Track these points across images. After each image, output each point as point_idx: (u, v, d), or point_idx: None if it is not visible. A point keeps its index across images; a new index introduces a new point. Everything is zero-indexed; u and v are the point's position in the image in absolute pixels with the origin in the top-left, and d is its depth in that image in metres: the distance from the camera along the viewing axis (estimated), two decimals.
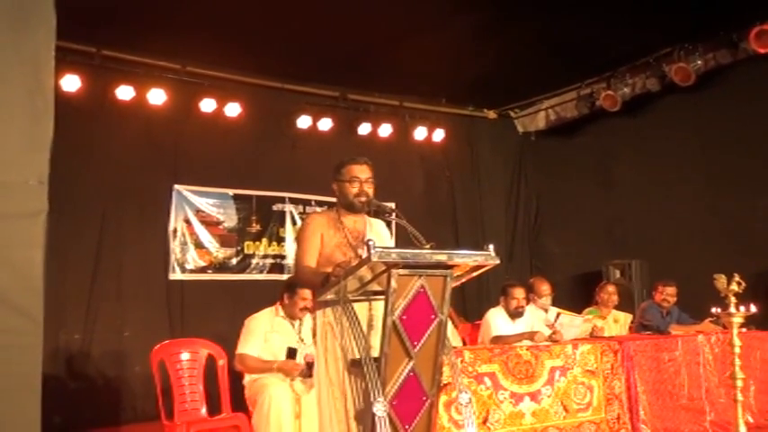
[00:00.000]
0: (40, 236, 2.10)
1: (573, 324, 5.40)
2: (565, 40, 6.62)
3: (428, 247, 2.89)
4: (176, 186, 7.07)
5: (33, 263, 2.08)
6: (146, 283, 6.77)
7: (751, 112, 6.92)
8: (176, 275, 6.99)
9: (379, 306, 2.96)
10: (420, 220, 3.14)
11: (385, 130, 8.10)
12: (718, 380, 5.20)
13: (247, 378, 4.51)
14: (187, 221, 7.12)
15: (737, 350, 4.27)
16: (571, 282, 8.17)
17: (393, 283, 2.71)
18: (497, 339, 5.25)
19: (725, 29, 6.60)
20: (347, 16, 6.02)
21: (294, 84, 7.55)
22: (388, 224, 3.58)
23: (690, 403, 5.08)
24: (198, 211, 7.20)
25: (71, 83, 6.13)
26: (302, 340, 4.56)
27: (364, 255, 2.69)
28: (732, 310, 4.25)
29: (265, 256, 7.57)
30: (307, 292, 4.32)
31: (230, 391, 4.65)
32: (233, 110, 7.10)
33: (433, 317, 2.86)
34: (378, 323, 2.94)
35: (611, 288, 6.35)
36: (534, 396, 4.48)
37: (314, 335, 3.18)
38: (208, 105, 7.02)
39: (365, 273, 2.79)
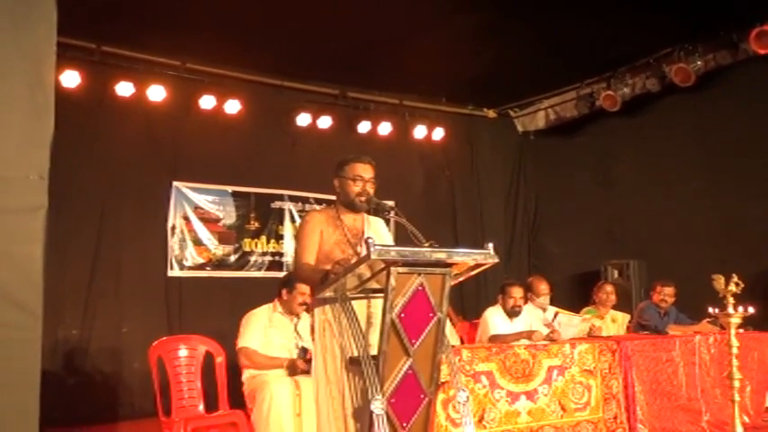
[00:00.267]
0: (40, 231, 2.10)
1: (571, 323, 5.40)
2: (565, 40, 6.63)
3: (427, 245, 2.90)
4: (175, 183, 7.07)
5: (33, 258, 2.09)
6: (144, 279, 6.77)
7: (751, 112, 6.93)
8: (175, 272, 6.99)
9: (377, 304, 2.96)
10: (419, 219, 3.14)
11: (385, 128, 8.10)
12: (714, 380, 5.21)
13: (246, 374, 4.51)
14: (186, 218, 7.12)
15: (735, 351, 4.28)
16: (569, 281, 8.18)
17: (392, 281, 2.71)
18: (495, 338, 5.25)
19: (725, 29, 6.60)
20: (348, 14, 6.02)
21: (294, 81, 7.55)
22: (387, 222, 3.58)
23: (687, 403, 5.09)
24: (197, 208, 7.20)
25: (71, 79, 6.13)
26: (300, 336, 4.56)
27: (363, 252, 2.70)
28: (730, 310, 4.26)
29: (264, 254, 7.58)
30: (305, 287, 4.32)
31: (228, 388, 4.65)
32: (233, 107, 7.10)
33: (431, 315, 2.86)
34: (376, 321, 2.94)
35: (608, 288, 6.35)
36: (530, 395, 4.48)
37: (312, 332, 3.18)
38: (207, 102, 7.02)
39: (364, 270, 2.79)
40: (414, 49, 6.76)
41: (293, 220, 7.73)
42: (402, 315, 2.77)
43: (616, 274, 7.68)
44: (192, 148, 7.08)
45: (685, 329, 5.75)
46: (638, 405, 4.85)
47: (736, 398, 4.31)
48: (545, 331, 5.29)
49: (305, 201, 7.81)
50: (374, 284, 2.93)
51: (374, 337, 2.88)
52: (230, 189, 7.41)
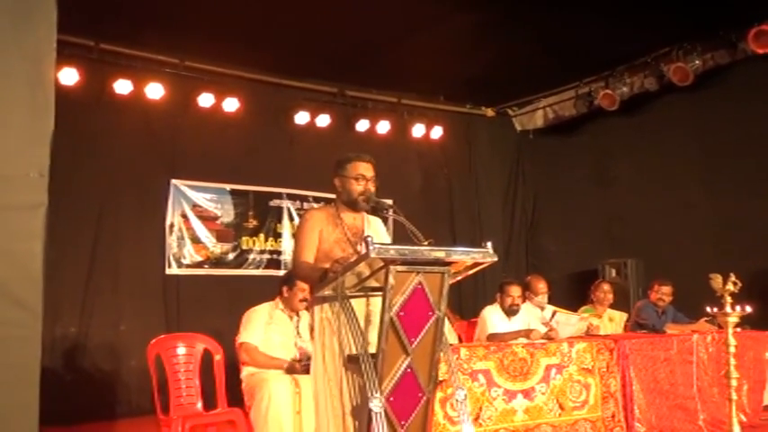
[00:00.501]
0: (41, 228, 2.11)
1: (569, 322, 5.41)
2: (563, 39, 6.63)
3: (426, 243, 2.90)
4: (173, 181, 7.07)
5: (33, 255, 2.09)
6: (142, 277, 6.77)
7: (749, 112, 6.94)
8: (173, 270, 6.99)
9: (376, 302, 2.96)
10: (417, 218, 3.14)
11: (383, 126, 8.10)
12: (711, 379, 5.22)
13: (245, 371, 4.51)
14: (184, 216, 7.12)
15: (732, 350, 4.29)
16: (567, 280, 8.18)
17: (391, 280, 2.71)
18: (493, 337, 5.26)
19: (723, 29, 6.62)
20: (347, 13, 6.02)
21: (292, 79, 7.55)
22: (386, 221, 3.58)
23: (684, 402, 5.10)
24: (195, 206, 7.19)
25: (69, 76, 6.12)
26: (299, 335, 4.56)
27: (363, 251, 2.70)
28: (728, 309, 4.27)
29: (262, 252, 7.57)
30: (305, 284, 4.32)
31: (226, 386, 4.65)
32: (231, 105, 7.10)
33: (430, 313, 2.86)
34: (375, 319, 2.95)
35: (606, 287, 6.36)
36: (527, 393, 4.49)
37: (311, 330, 3.18)
38: (206, 100, 7.01)
39: (363, 269, 2.80)
40: (412, 47, 6.76)
41: (291, 219, 7.73)
42: (401, 313, 2.78)
43: (614, 272, 7.69)
44: (190, 146, 7.08)
45: (683, 328, 5.76)
46: (636, 404, 4.86)
47: (734, 396, 4.32)
48: (543, 330, 5.30)
49: (303, 199, 7.81)
50: (373, 283, 2.93)
51: (373, 336, 2.88)
52: (228, 187, 7.41)
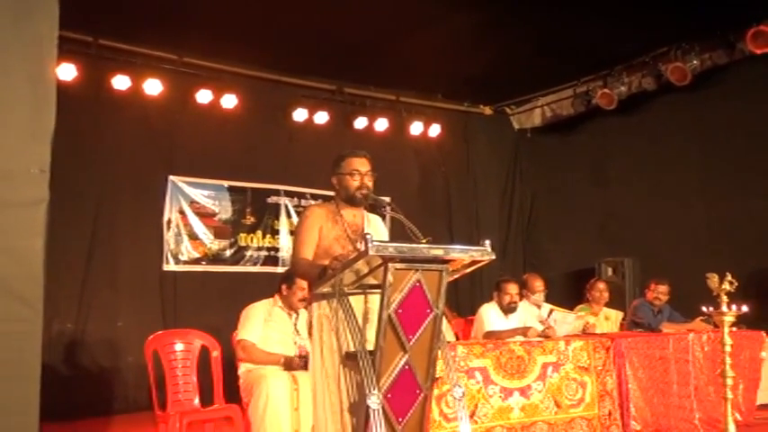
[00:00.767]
0: (42, 224, 2.11)
1: (565, 320, 5.43)
2: (562, 38, 6.64)
3: (425, 241, 2.91)
4: (171, 177, 7.06)
5: (34, 251, 2.09)
6: (139, 273, 6.76)
7: (746, 112, 6.96)
8: (170, 266, 6.99)
9: (374, 299, 2.97)
10: (415, 215, 3.14)
11: (381, 124, 8.10)
12: (707, 378, 5.24)
13: (243, 367, 4.51)
14: (181, 212, 7.12)
15: (728, 349, 4.31)
16: (564, 279, 8.20)
17: (389, 277, 2.72)
18: (490, 334, 5.27)
19: (722, 29, 6.63)
20: (345, 10, 6.02)
21: (291, 76, 7.55)
22: (383, 218, 3.59)
23: (680, 400, 5.12)
24: (192, 203, 7.19)
25: (67, 72, 6.11)
26: (298, 332, 4.57)
27: (362, 248, 2.70)
28: (724, 309, 4.28)
29: (259, 249, 7.57)
30: (305, 283, 4.32)
31: (223, 383, 4.66)
32: (229, 101, 7.09)
33: (428, 311, 2.87)
34: (373, 316, 2.95)
35: (601, 285, 6.38)
36: (524, 391, 4.51)
37: (309, 327, 3.19)
38: (204, 96, 7.01)
39: (362, 266, 2.80)
40: (411, 45, 6.76)
41: (289, 216, 7.73)
42: (399, 311, 2.78)
43: (610, 271, 7.70)
44: (188, 143, 7.07)
45: (679, 327, 5.78)
46: (632, 402, 4.88)
47: (729, 395, 4.33)
48: (540, 328, 5.32)
49: (301, 196, 7.81)
50: (371, 280, 2.94)
51: (371, 333, 2.89)
52: (226, 184, 7.41)
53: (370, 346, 2.82)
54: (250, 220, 7.54)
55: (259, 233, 7.58)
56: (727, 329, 4.32)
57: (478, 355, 4.39)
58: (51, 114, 2.21)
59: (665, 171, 7.74)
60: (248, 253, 7.50)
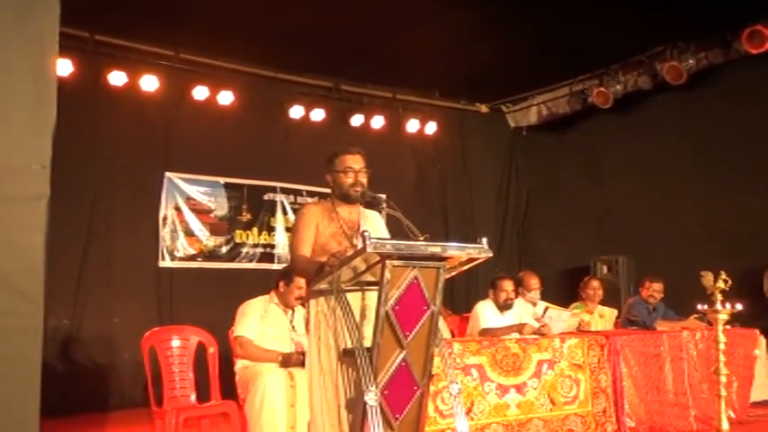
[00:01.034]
0: (42, 220, 2.11)
1: (560, 318, 5.44)
2: (558, 37, 6.66)
3: (422, 239, 2.92)
4: (167, 173, 7.06)
5: (35, 246, 2.10)
6: (135, 269, 6.76)
7: (742, 111, 6.99)
8: (166, 263, 6.99)
9: (372, 296, 2.97)
10: (410, 213, 3.15)
11: (377, 121, 8.11)
12: (701, 375, 5.27)
13: (239, 364, 4.51)
14: (177, 209, 7.11)
15: (722, 346, 4.34)
16: (559, 276, 8.23)
17: (387, 274, 2.72)
18: (486, 332, 5.28)
19: (718, 29, 6.65)
20: (342, 7, 6.02)
21: (287, 73, 7.55)
22: (380, 214, 3.59)
23: (674, 398, 5.15)
24: (188, 199, 7.19)
25: (63, 67, 6.09)
26: (294, 329, 4.57)
27: (359, 245, 2.71)
28: (718, 306, 4.31)
29: (255, 246, 7.57)
30: (303, 281, 4.33)
31: (220, 379, 4.66)
32: (226, 98, 7.09)
33: (425, 308, 2.88)
34: (371, 313, 2.96)
35: (595, 283, 6.39)
36: (520, 388, 4.53)
37: (307, 324, 3.20)
38: (200, 93, 7.01)
39: (359, 263, 2.81)
40: (408, 43, 6.77)
41: (285, 213, 7.74)
42: (396, 308, 2.79)
43: (605, 269, 7.73)
44: (184, 139, 7.07)
45: (673, 325, 5.81)
46: (627, 399, 4.91)
47: (723, 393, 4.36)
48: (535, 326, 5.33)
49: (297, 193, 7.81)
50: (369, 277, 2.94)
51: (368, 330, 2.89)
52: (222, 180, 7.41)
53: (367, 343, 2.82)
54: (246, 216, 7.54)
55: (255, 230, 7.58)
56: (721, 327, 4.34)
57: (474, 353, 4.41)
58: (52, 110, 2.21)
59: (660, 170, 7.77)
60: (244, 250, 7.50)
